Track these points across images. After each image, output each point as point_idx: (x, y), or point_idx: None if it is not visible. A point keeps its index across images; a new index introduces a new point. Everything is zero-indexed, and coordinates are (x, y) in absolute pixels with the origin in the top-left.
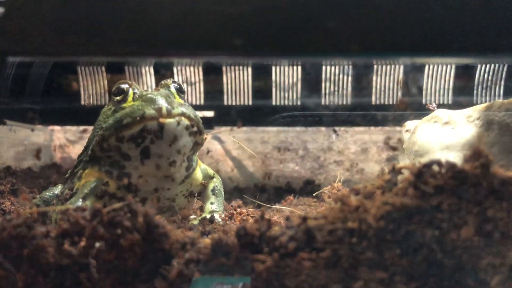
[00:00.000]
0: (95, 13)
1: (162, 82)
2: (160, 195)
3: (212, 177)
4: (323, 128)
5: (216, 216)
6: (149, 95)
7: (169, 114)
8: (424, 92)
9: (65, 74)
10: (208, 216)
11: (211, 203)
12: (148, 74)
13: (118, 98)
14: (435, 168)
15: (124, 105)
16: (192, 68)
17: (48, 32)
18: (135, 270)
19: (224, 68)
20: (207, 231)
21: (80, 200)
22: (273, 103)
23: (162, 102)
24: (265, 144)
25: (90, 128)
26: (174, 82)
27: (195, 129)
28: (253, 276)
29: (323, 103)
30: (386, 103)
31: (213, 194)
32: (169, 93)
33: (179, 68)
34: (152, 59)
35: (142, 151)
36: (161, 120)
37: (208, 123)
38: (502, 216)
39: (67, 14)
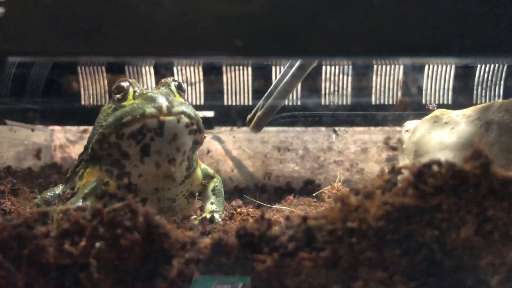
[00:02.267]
0: (95, 13)
1: (162, 80)
2: (160, 196)
3: (212, 177)
4: (323, 128)
5: (216, 216)
6: (150, 94)
7: (169, 112)
8: (424, 92)
9: (65, 74)
10: (208, 216)
11: (211, 203)
12: (148, 74)
13: (118, 96)
14: (435, 168)
15: (125, 103)
16: (192, 68)
17: (48, 32)
18: (135, 270)
19: (224, 68)
20: (207, 231)
21: (81, 200)
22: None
23: (162, 101)
24: (265, 144)
25: (91, 128)
26: (174, 80)
27: (194, 127)
28: (253, 276)
29: (323, 103)
30: (386, 103)
31: (213, 194)
32: (169, 91)
33: (179, 68)
34: (152, 59)
35: (142, 148)
36: (161, 118)
37: (208, 123)
38: (502, 216)
39: (67, 14)
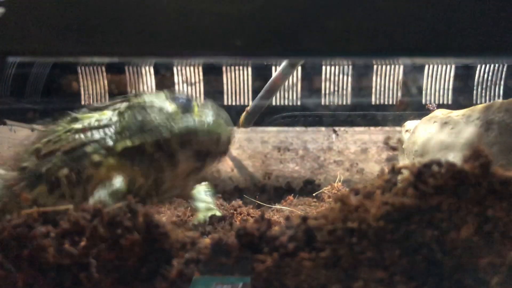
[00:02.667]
0: (95, 13)
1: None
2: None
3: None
4: (323, 128)
5: (215, 212)
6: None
7: None
8: (424, 92)
9: (65, 74)
10: (208, 214)
11: (205, 202)
12: (148, 74)
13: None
14: (435, 168)
15: (193, 113)
16: (192, 68)
17: (48, 32)
18: (135, 270)
19: (224, 68)
20: (207, 231)
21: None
22: (273, 103)
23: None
24: (265, 144)
25: None
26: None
27: None
28: (253, 276)
29: (323, 103)
30: (386, 103)
31: (206, 196)
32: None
33: (179, 68)
34: (152, 59)
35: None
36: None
37: None
38: (502, 216)
39: (67, 14)
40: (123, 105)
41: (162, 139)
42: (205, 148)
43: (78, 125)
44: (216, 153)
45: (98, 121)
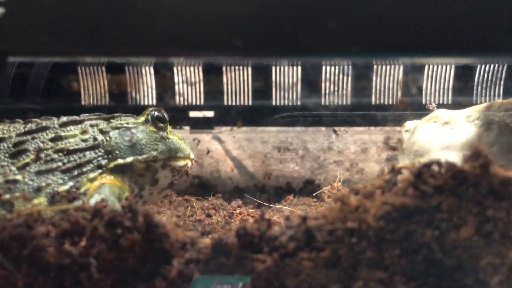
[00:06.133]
0: (95, 13)
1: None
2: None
3: None
4: (323, 128)
5: None
6: (179, 136)
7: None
8: (424, 92)
9: (65, 74)
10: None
11: None
12: (148, 74)
13: (161, 125)
14: (435, 168)
15: (170, 136)
16: (192, 68)
17: (48, 32)
18: (135, 270)
19: (224, 68)
20: (207, 231)
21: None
22: (273, 103)
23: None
24: (265, 144)
25: None
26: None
27: None
28: (253, 276)
29: (323, 103)
30: (386, 103)
31: None
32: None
33: (179, 68)
34: (152, 59)
35: (170, 184)
36: (193, 161)
37: (208, 123)
38: (502, 216)
39: (67, 14)
40: (101, 123)
41: (150, 158)
42: (179, 167)
43: (62, 144)
44: (186, 171)
45: (84, 142)
